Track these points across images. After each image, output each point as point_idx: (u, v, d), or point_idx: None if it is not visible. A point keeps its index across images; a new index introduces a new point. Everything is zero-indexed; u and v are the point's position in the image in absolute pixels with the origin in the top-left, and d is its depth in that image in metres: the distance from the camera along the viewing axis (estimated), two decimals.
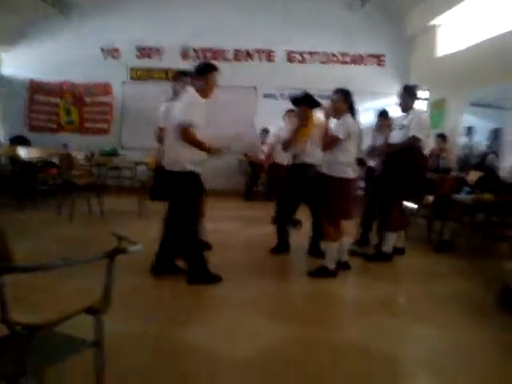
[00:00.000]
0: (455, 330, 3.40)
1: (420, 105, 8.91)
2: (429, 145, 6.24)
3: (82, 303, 2.06)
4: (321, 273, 4.40)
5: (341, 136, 4.25)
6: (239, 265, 4.71)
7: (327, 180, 4.35)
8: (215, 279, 4.01)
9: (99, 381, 2.13)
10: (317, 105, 4.92)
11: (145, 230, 4.30)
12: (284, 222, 5.17)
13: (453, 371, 2.79)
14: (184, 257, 4.04)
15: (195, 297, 3.78)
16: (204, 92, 3.91)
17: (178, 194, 3.92)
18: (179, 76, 4.63)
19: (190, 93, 3.88)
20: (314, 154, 4.89)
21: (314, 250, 5.06)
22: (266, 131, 8.96)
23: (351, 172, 4.38)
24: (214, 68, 4.00)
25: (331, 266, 4.40)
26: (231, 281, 4.12)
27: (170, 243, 4.08)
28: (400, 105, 5.00)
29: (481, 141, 6.75)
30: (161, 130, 4.40)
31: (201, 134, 3.82)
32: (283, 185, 5.22)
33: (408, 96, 4.95)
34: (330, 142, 4.30)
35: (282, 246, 5.17)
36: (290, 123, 5.89)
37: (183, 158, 3.82)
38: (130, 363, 2.68)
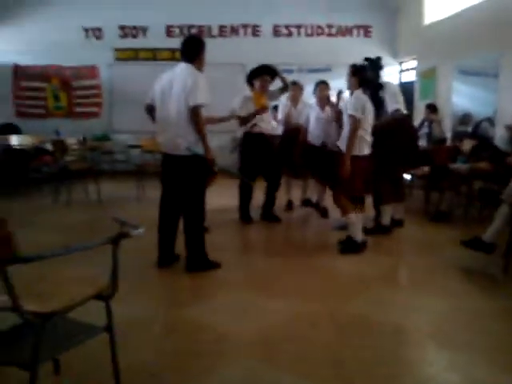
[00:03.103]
0: (457, 298, 3.46)
1: (409, 75, 8.95)
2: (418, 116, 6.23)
3: (89, 290, 2.08)
4: (350, 248, 4.43)
5: (354, 113, 4.23)
6: (235, 243, 4.75)
7: (340, 157, 4.35)
8: (214, 265, 3.97)
9: (114, 364, 2.17)
10: (276, 73, 5.31)
11: (144, 213, 4.28)
12: (248, 193, 5.46)
13: (457, 339, 2.85)
14: (186, 243, 3.93)
15: (197, 279, 3.80)
16: (199, 70, 3.81)
17: (190, 178, 3.81)
18: None
19: (196, 73, 3.73)
20: (270, 124, 5.42)
21: (267, 215, 5.59)
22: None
23: (366, 149, 4.38)
24: (204, 44, 3.92)
25: (358, 238, 4.44)
26: (229, 261, 4.15)
27: (170, 232, 4.00)
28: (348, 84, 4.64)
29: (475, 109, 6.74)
30: (151, 107, 3.96)
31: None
32: (241, 157, 5.56)
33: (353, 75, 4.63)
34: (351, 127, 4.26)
35: (245, 216, 5.53)
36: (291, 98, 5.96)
37: (197, 141, 3.73)
38: (141, 344, 2.73)
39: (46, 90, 9.70)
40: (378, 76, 4.93)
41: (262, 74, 5.34)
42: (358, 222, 4.43)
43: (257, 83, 5.36)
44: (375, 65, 4.97)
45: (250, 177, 5.31)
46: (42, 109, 9.73)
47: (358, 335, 2.91)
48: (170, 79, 3.78)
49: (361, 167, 4.30)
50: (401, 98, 4.93)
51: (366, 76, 4.47)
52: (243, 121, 5.15)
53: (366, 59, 5.04)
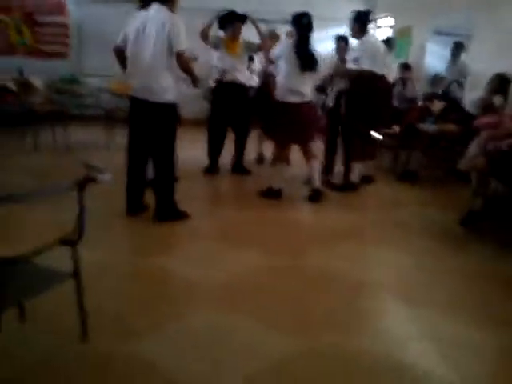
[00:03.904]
0: (420, 255, 3.60)
1: (384, 32, 8.84)
2: (392, 71, 6.21)
3: (55, 235, 2.06)
4: (267, 193, 4.65)
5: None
6: (204, 195, 4.76)
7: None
8: (183, 215, 3.97)
9: (80, 310, 2.19)
10: (245, 19, 5.28)
11: (113, 160, 4.22)
12: (216, 144, 5.47)
13: (417, 295, 2.98)
14: (156, 192, 3.90)
15: (165, 229, 3.80)
16: (172, 12, 3.67)
17: (162, 125, 3.74)
18: None
19: (173, 16, 3.60)
20: (244, 73, 5.37)
21: (237, 168, 5.62)
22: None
23: None
24: None
25: (276, 186, 4.64)
26: (198, 212, 4.16)
27: (138, 179, 3.94)
28: (351, 31, 4.94)
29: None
30: (121, 49, 3.79)
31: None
32: (211, 106, 5.52)
33: (354, 21, 4.86)
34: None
35: (212, 167, 5.54)
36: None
37: (171, 88, 3.66)
38: (108, 290, 2.76)
39: (7, 22, 9.11)
40: (363, 29, 4.88)
41: (233, 20, 5.23)
42: (279, 171, 4.73)
43: (228, 31, 5.28)
44: (364, 18, 4.93)
45: (219, 126, 5.35)
46: (3, 43, 9.17)
47: (321, 287, 3.01)
48: (143, 21, 3.62)
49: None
50: (380, 59, 4.88)
51: (366, 21, 4.80)
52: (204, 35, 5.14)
53: (355, 12, 4.98)
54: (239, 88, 5.36)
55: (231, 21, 5.23)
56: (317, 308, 2.73)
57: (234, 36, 5.29)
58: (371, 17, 5.24)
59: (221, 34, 5.40)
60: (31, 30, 9.13)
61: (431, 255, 3.60)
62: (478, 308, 2.87)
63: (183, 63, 3.63)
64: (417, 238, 3.94)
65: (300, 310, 2.69)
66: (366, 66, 4.73)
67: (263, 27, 5.53)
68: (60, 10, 9.08)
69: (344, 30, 7.47)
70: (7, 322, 1.84)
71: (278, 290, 2.91)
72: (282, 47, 4.56)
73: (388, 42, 5.01)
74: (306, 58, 4.37)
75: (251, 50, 5.52)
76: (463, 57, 6.46)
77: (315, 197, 4.64)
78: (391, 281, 3.17)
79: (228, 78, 5.28)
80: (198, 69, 3.97)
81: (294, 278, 3.10)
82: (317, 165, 4.68)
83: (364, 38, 4.85)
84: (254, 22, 5.28)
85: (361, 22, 4.86)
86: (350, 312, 2.72)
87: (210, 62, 5.47)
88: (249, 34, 5.46)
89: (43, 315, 2.41)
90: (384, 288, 3.06)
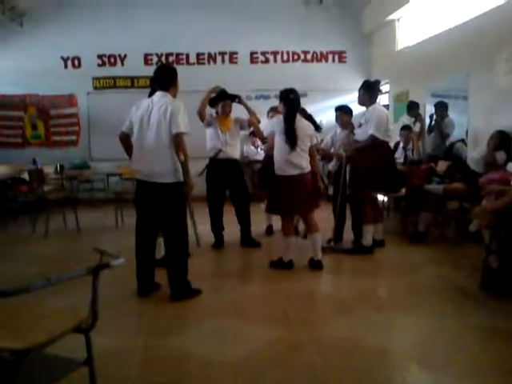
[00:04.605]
0: (438, 318, 3.49)
1: (382, 99, 9.14)
2: (393, 137, 6.36)
3: (68, 322, 2.05)
4: (278, 265, 4.66)
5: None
6: (214, 269, 4.74)
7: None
8: (196, 292, 3.96)
9: None
10: (234, 98, 5.63)
11: (123, 241, 4.25)
12: (217, 219, 5.58)
13: (439, 360, 2.86)
14: (169, 271, 3.89)
15: (177, 307, 3.76)
16: (174, 97, 3.89)
17: (172, 204, 3.79)
18: None
19: (175, 101, 3.80)
20: (236, 147, 5.63)
21: (245, 241, 5.64)
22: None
23: None
24: (176, 71, 4.00)
25: (286, 258, 4.65)
26: (210, 288, 4.14)
27: (148, 259, 3.96)
28: (358, 100, 5.14)
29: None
30: (127, 136, 3.97)
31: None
32: (207, 183, 5.62)
33: (366, 92, 5.06)
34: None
35: (218, 242, 5.63)
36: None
37: (177, 168, 3.75)
38: (123, 377, 2.68)
39: (24, 119, 9.64)
40: (371, 97, 5.08)
41: (223, 99, 5.53)
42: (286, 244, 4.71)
43: (218, 108, 5.56)
44: (374, 87, 5.16)
45: (217, 202, 5.53)
46: (19, 138, 9.64)
47: (340, 358, 2.91)
48: (147, 108, 3.81)
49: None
50: (384, 126, 5.01)
51: (374, 91, 5.03)
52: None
53: (365, 82, 5.22)
54: (233, 163, 5.55)
55: (221, 99, 5.52)
56: (339, 380, 2.63)
57: (224, 113, 5.54)
58: (379, 86, 5.46)
59: (213, 112, 5.66)
60: (45, 123, 9.59)
61: (448, 317, 3.50)
62: (499, 368, 2.74)
63: (180, 145, 3.72)
64: (433, 300, 3.85)
65: None
66: (370, 131, 4.87)
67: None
68: (72, 102, 9.57)
69: (343, 100, 7.83)
70: None
71: (295, 364, 2.82)
72: (274, 123, 4.67)
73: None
74: (290, 135, 4.47)
75: (244, 127, 5.77)
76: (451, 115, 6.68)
77: (316, 266, 4.62)
78: (411, 347, 3.07)
79: (221, 155, 5.47)
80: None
81: (311, 350, 3.00)
82: (318, 236, 4.68)
83: (372, 106, 5.03)
84: (241, 101, 5.65)
85: (371, 91, 5.07)
86: (372, 383, 2.61)
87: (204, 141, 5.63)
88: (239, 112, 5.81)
89: None
90: (404, 355, 2.96)
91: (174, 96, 3.90)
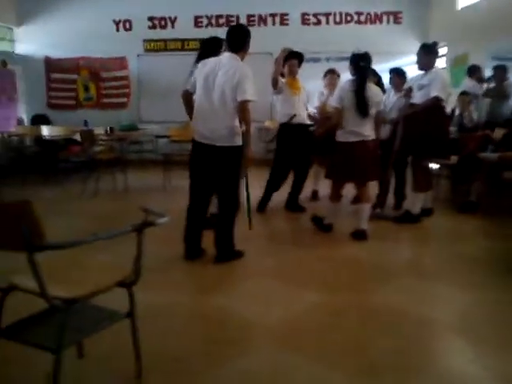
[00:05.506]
0: (482, 290, 3.40)
1: (439, 62, 8.72)
2: (451, 103, 6.10)
3: (114, 277, 2.12)
4: (318, 222, 4.74)
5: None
6: (258, 233, 4.76)
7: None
8: (240, 254, 3.99)
9: (136, 349, 2.22)
10: (301, 57, 5.44)
11: (170, 203, 4.34)
12: (277, 183, 5.48)
13: (481, 332, 2.80)
14: (218, 231, 3.91)
15: (221, 268, 3.81)
16: (242, 60, 3.74)
17: (229, 167, 3.75)
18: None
19: (244, 66, 3.66)
20: (305, 112, 5.45)
21: (291, 205, 5.60)
22: None
23: None
24: (250, 34, 3.80)
25: (327, 221, 4.71)
26: (254, 250, 4.16)
27: (199, 222, 3.95)
28: (418, 63, 4.91)
29: None
30: (189, 94, 3.84)
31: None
32: (278, 149, 5.49)
33: (426, 54, 4.85)
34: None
35: (263, 204, 5.51)
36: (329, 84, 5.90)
37: (238, 132, 3.70)
38: (165, 331, 2.77)
39: (77, 81, 9.88)
40: (432, 61, 4.90)
41: (289, 58, 5.31)
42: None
43: (285, 69, 5.35)
44: (433, 50, 4.98)
45: (285, 168, 5.39)
46: (72, 100, 9.93)
47: (382, 325, 2.89)
48: (213, 68, 3.66)
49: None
50: (447, 90, 4.86)
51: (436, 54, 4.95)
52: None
53: (424, 45, 5.03)
54: (304, 129, 5.42)
55: (286, 58, 5.29)
56: (379, 347, 2.62)
57: (291, 73, 5.36)
58: (437, 49, 5.24)
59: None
60: (96, 85, 9.80)
61: (493, 290, 3.39)
62: None
63: (245, 113, 3.62)
64: (479, 272, 3.73)
65: (362, 351, 2.58)
66: (435, 92, 4.66)
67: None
68: (123, 65, 9.71)
69: (398, 63, 7.53)
70: (66, 358, 1.89)
71: (338, 329, 2.83)
72: (341, 91, 4.50)
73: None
74: (361, 105, 4.35)
75: (308, 97, 5.60)
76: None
77: (360, 236, 4.52)
78: (454, 318, 3.00)
79: (295, 120, 5.31)
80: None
81: (354, 317, 3.00)
82: (368, 207, 4.59)
83: (434, 69, 4.87)
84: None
85: (431, 54, 4.89)
86: (414, 352, 2.58)
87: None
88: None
89: (101, 354, 2.45)
90: (446, 325, 2.91)
91: (243, 59, 3.74)
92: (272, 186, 5.52)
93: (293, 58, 5.34)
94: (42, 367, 2.01)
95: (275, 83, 5.21)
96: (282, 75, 5.35)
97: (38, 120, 9.41)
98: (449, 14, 8.39)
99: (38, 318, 2.06)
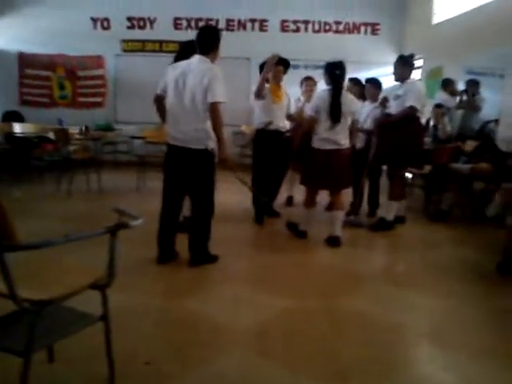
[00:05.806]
0: (454, 298, 3.47)
1: (415, 74, 8.89)
2: (425, 114, 6.21)
3: (86, 279, 2.09)
4: (293, 228, 4.80)
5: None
6: (233, 237, 4.77)
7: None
8: (214, 258, 3.99)
9: (108, 353, 2.19)
10: (287, 64, 5.33)
11: (144, 205, 4.30)
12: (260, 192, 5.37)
13: (453, 339, 2.86)
14: (192, 235, 3.91)
15: (195, 272, 3.80)
16: (212, 63, 3.72)
17: (203, 170, 3.76)
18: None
19: (214, 68, 3.66)
20: (284, 119, 5.41)
21: (267, 210, 5.49)
22: None
23: None
24: (220, 36, 3.80)
25: (303, 227, 4.77)
26: (227, 255, 4.14)
27: (172, 225, 3.94)
28: (395, 74, 5.00)
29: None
30: (161, 98, 3.84)
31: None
32: (254, 155, 5.48)
33: (403, 66, 4.95)
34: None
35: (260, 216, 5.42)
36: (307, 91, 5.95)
37: (210, 135, 3.69)
38: (138, 334, 2.75)
39: (52, 78, 9.69)
40: (408, 72, 5.00)
41: (276, 64, 5.18)
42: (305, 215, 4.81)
43: (270, 75, 5.23)
44: (410, 62, 5.11)
45: (261, 175, 5.32)
46: (46, 98, 9.73)
47: (354, 331, 2.92)
48: (184, 71, 3.66)
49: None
50: (422, 101, 4.94)
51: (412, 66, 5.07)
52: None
53: (401, 57, 5.15)
54: (280, 135, 5.36)
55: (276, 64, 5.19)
56: (349, 354, 2.64)
57: (276, 80, 5.28)
58: (413, 61, 5.37)
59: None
60: (72, 83, 9.64)
61: (464, 297, 3.48)
62: None
63: (216, 115, 3.61)
64: (450, 280, 3.81)
65: (331, 356, 2.60)
66: (410, 102, 4.74)
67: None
68: (99, 64, 9.58)
69: (374, 73, 7.65)
70: (36, 362, 1.86)
71: (307, 334, 2.85)
72: (318, 100, 4.54)
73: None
74: (333, 111, 4.40)
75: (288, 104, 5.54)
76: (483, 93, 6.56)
77: (334, 243, 4.56)
78: (426, 325, 3.07)
79: (271, 127, 5.28)
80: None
81: (324, 322, 3.02)
82: (342, 214, 4.65)
83: (411, 80, 4.98)
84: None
85: (407, 65, 5.00)
86: (384, 358, 2.61)
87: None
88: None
89: (72, 357, 2.41)
90: (419, 332, 2.96)
91: (213, 62, 3.73)
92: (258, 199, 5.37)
93: (279, 65, 5.28)
94: (11, 371, 1.96)
95: (259, 93, 5.12)
96: (267, 81, 5.29)
97: (10, 117, 9.20)
98: (425, 28, 8.56)
99: (7, 321, 2.01)
